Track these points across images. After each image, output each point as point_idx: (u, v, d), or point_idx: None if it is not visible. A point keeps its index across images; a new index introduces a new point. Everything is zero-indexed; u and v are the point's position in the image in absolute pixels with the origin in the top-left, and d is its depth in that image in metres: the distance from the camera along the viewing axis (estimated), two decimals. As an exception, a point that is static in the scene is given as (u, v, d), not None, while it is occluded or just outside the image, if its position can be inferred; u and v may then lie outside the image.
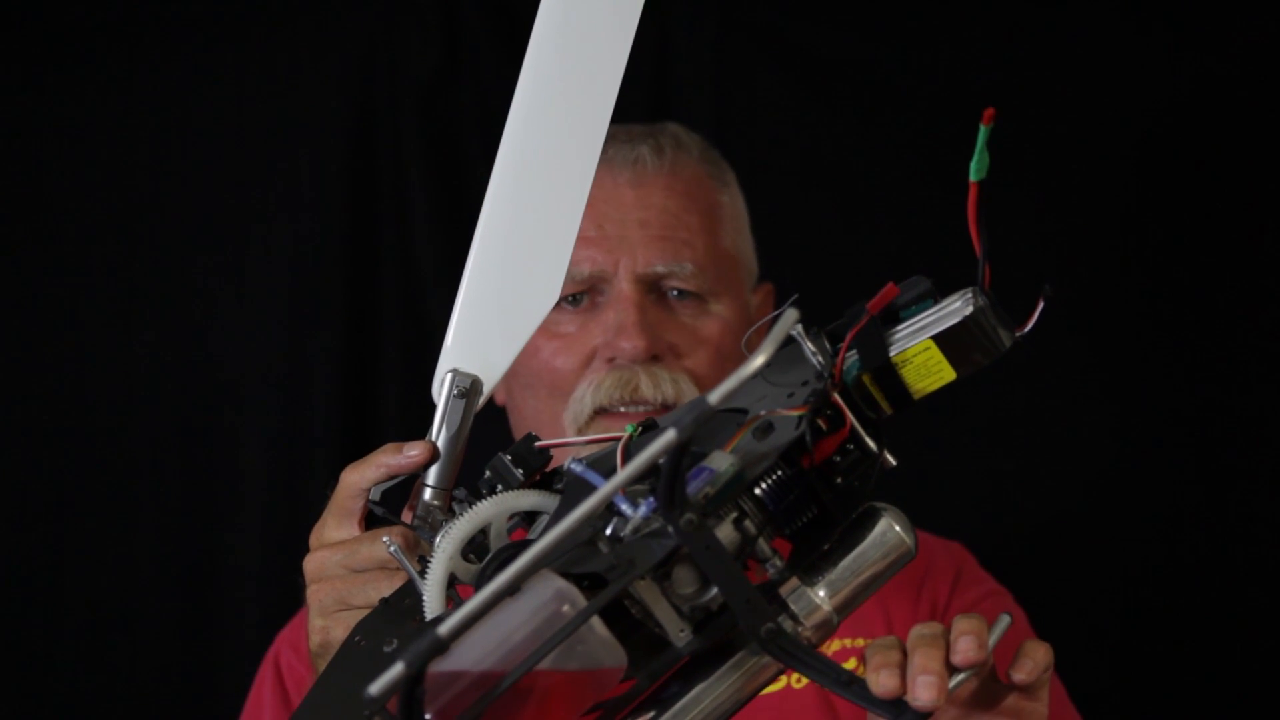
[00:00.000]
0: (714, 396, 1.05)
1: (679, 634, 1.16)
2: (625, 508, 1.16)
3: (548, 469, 1.34)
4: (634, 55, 1.43)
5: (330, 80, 2.45)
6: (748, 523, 1.18)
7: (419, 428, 2.44)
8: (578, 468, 1.26)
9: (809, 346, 1.22)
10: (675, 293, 1.86)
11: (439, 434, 1.41)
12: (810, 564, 1.22)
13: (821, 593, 1.20)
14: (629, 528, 1.16)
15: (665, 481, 1.11)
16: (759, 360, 1.05)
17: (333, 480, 1.47)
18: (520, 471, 1.32)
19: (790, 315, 1.10)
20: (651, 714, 1.20)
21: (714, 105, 2.44)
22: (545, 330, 1.85)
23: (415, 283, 2.44)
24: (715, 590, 1.16)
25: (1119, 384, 2.43)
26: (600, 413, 1.82)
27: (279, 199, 2.45)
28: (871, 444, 1.21)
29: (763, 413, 1.20)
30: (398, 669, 1.03)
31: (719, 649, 1.20)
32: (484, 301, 1.40)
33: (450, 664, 1.08)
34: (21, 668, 2.39)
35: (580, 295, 1.86)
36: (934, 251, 2.45)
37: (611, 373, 1.82)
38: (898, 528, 1.22)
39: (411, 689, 1.04)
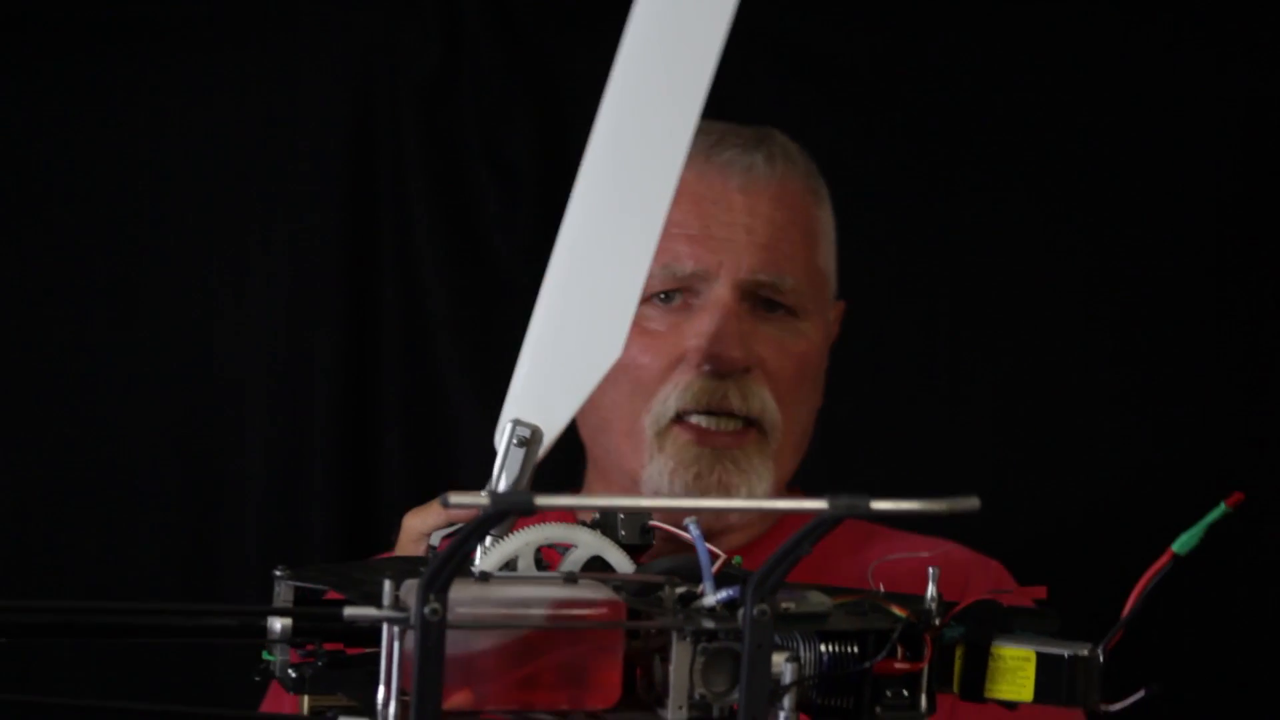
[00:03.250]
0: (878, 504, 1.06)
1: (677, 709, 1.15)
2: (707, 585, 1.16)
3: (646, 549, 1.32)
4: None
5: (330, 80, 2.45)
6: (796, 667, 1.17)
7: (419, 428, 2.46)
8: (694, 530, 1.23)
9: (933, 581, 1.22)
10: (767, 305, 1.84)
11: (498, 482, 1.41)
12: None
13: None
14: (701, 602, 1.16)
15: (778, 555, 1.11)
16: (945, 504, 1.06)
17: (395, 523, 1.54)
18: (623, 533, 1.31)
19: (974, 501, 1.09)
20: None
21: (714, 106, 2.44)
22: (633, 325, 1.82)
23: (415, 283, 2.44)
24: (734, 696, 1.14)
25: (1137, 387, 2.43)
26: (681, 418, 1.80)
27: (279, 198, 2.45)
28: (925, 702, 1.20)
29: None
30: (483, 497, 1.05)
31: None
32: (550, 352, 1.39)
33: (480, 594, 1.13)
34: (22, 668, 2.39)
35: (674, 293, 1.83)
36: (935, 254, 2.47)
37: (701, 378, 1.80)
38: None
39: (483, 524, 1.06)
